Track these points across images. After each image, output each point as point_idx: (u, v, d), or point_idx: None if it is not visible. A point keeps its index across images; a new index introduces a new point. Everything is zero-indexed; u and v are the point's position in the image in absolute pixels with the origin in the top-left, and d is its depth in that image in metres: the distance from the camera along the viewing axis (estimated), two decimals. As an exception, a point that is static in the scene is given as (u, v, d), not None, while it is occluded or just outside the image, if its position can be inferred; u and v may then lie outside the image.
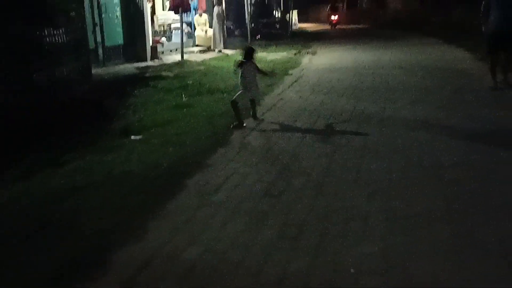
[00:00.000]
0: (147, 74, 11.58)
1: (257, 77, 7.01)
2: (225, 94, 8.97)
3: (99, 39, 12.15)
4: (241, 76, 6.88)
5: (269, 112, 7.52)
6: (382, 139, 5.78)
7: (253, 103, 7.08)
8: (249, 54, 7.02)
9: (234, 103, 6.73)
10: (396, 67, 12.11)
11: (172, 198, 4.22)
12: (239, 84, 6.94)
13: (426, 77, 10.39)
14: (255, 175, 4.70)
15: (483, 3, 8.63)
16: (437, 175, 4.51)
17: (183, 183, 4.55)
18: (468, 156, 5.02)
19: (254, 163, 5.08)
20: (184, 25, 16.51)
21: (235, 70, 7.25)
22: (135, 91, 9.36)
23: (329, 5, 37.40)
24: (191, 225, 3.72)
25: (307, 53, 16.58)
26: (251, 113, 7.09)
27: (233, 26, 22.17)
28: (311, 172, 4.71)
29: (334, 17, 36.04)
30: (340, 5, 44.57)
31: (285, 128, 6.51)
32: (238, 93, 6.87)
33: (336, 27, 34.71)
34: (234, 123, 6.64)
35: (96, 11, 12.06)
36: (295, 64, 13.54)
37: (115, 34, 12.85)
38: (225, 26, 17.40)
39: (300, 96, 8.74)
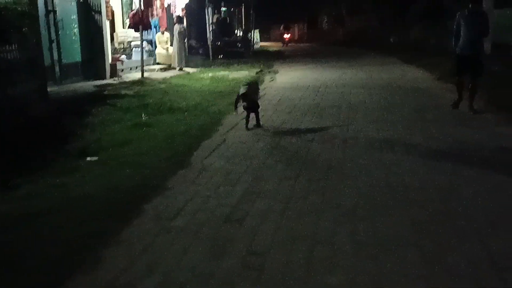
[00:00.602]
0: (106, 92, 11.26)
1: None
2: (186, 113, 8.79)
3: (55, 56, 11.76)
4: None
5: (231, 131, 7.35)
6: (347, 159, 5.69)
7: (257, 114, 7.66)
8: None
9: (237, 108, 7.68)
10: (357, 86, 12.17)
11: (129, 224, 3.98)
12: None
13: (387, 96, 10.45)
14: (217, 199, 4.51)
15: (455, 24, 8.42)
16: (404, 196, 4.42)
17: (141, 207, 4.32)
18: (433, 176, 4.97)
19: (216, 185, 4.89)
20: (145, 43, 16.27)
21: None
22: (93, 110, 9.05)
23: (282, 24, 41.05)
24: (149, 253, 3.50)
25: (269, 71, 16.58)
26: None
27: (196, 44, 22.02)
28: (275, 195, 4.55)
29: (286, 35, 40.51)
30: (292, 25, 47.33)
31: (247, 148, 6.35)
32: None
33: (288, 45, 38.52)
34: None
35: (52, 28, 11.67)
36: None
37: (73, 51, 12.47)
38: (186, 44, 17.23)
39: (262, 115, 8.58)
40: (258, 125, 7.62)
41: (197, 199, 4.52)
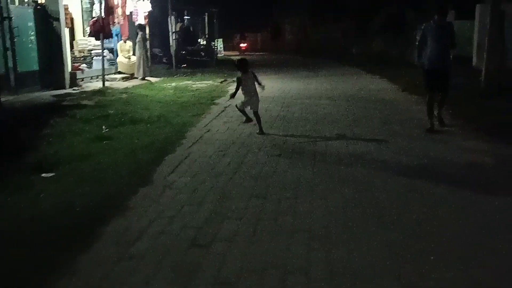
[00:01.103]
0: (65, 103, 10.82)
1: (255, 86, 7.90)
2: (148, 125, 8.47)
3: (10, 64, 11.24)
4: (242, 89, 7.86)
5: (196, 145, 7.08)
6: (317, 175, 5.50)
7: (258, 116, 7.92)
8: (244, 66, 7.86)
9: (239, 109, 8.22)
10: (322, 97, 12.09)
11: (86, 250, 3.66)
12: (243, 94, 7.93)
13: (353, 107, 10.37)
14: (181, 220, 4.23)
15: (420, 36, 8.16)
16: (378, 217, 4.23)
17: (99, 230, 4.00)
18: (405, 193, 4.82)
19: (180, 205, 4.61)
20: (106, 52, 15.83)
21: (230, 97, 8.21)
22: (51, 121, 8.60)
23: (239, 34, 43.41)
24: (107, 283, 3.20)
25: (233, 81, 16.32)
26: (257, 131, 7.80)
27: (160, 53, 21.63)
28: (243, 216, 4.30)
29: (243, 45, 43.56)
30: (254, 35, 49.31)
31: (213, 163, 6.09)
32: (242, 100, 7.99)
33: (245, 53, 40.00)
34: (244, 120, 8.35)
35: (7, 35, 11.17)
36: (221, 92, 13.24)
37: (30, 59, 11.96)
38: (148, 53, 16.85)
39: (228, 127, 8.38)
40: (261, 132, 7.78)
41: (160, 220, 4.23)
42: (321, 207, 4.49)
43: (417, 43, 8.31)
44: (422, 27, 8.19)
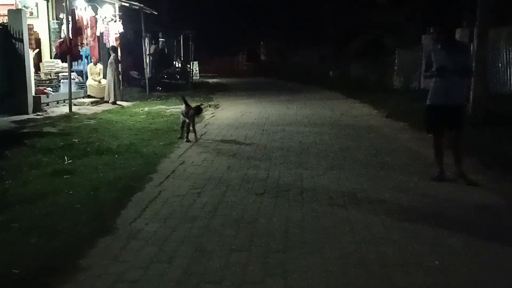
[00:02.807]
0: (25, 130, 9.93)
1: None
2: (116, 156, 7.65)
3: (-34, 87, 10.36)
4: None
5: (168, 181, 6.29)
6: (307, 220, 4.76)
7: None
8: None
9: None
10: (305, 124, 11.45)
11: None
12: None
13: (339, 135, 9.73)
14: (146, 285, 3.43)
15: (425, 59, 6.58)
16: (384, 278, 3.50)
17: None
18: (413, 246, 4.09)
19: (146, 262, 3.80)
20: (74, 74, 14.97)
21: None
22: (6, 152, 7.72)
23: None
24: None
25: (209, 106, 15.63)
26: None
27: (138, 75, 20.82)
28: (223, 277, 3.52)
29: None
30: (232, 57, 49.51)
31: (187, 204, 5.29)
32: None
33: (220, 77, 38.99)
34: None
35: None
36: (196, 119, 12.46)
37: (-12, 82, 11.10)
38: (120, 76, 16.02)
39: (204, 159, 7.62)
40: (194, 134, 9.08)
41: (120, 285, 3.42)
42: (316, 264, 3.74)
43: (423, 70, 6.99)
44: (428, 50, 6.69)
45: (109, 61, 15.37)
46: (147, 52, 20.63)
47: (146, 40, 20.46)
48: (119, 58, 15.96)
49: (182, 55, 28.39)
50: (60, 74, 14.46)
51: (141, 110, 14.16)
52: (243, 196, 5.59)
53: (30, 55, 12.37)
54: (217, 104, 16.31)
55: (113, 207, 5.14)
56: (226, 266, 3.71)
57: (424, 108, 6.43)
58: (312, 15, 34.02)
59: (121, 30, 16.81)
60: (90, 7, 14.84)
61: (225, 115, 13.41)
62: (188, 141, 9.01)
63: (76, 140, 8.88)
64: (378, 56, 23.25)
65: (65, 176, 6.45)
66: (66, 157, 7.49)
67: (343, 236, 4.32)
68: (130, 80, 20.44)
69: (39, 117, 11.63)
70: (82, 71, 16.15)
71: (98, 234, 4.35)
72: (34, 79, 12.99)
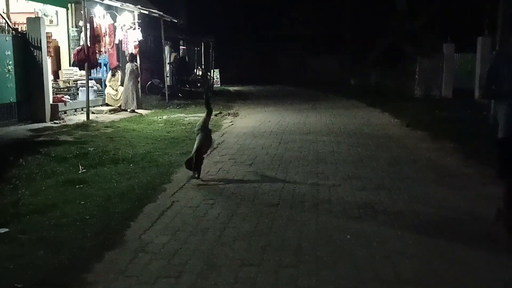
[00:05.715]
0: (42, 138, 9.92)
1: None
2: (131, 165, 7.58)
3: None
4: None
5: (181, 191, 6.17)
6: (321, 233, 4.60)
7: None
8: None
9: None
10: (323, 133, 11.25)
11: None
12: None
13: (357, 145, 9.52)
14: (153, 301, 3.32)
15: (487, 72, 4.95)
16: (402, 297, 3.33)
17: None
18: (430, 262, 3.91)
19: (154, 277, 3.69)
20: (93, 82, 15.00)
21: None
22: (21, 161, 7.69)
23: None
24: None
25: (229, 114, 15.53)
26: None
27: (160, 84, 20.82)
28: (232, 295, 3.39)
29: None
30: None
31: (199, 216, 5.18)
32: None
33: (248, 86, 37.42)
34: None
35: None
36: (215, 127, 12.33)
37: (6, 90, 11.04)
38: (139, 84, 16.02)
39: (219, 168, 7.51)
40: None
41: (124, 302, 3.31)
42: (328, 280, 3.59)
43: (482, 85, 5.54)
44: (495, 59, 5.26)
45: (129, 69, 15.37)
46: (168, 61, 20.61)
47: (167, 48, 20.44)
48: (137, 66, 15.96)
49: (203, 63, 28.40)
50: (78, 82, 14.50)
51: (160, 118, 14.11)
52: (257, 207, 5.46)
53: (48, 63, 12.40)
54: (237, 112, 16.19)
55: (124, 218, 5.04)
56: (237, 281, 3.58)
57: (495, 143, 4.78)
58: (331, 22, 33.89)
59: (140, 37, 16.80)
60: (108, 14, 14.86)
61: (244, 123, 13.29)
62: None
63: (91, 149, 8.82)
64: (397, 64, 22.98)
65: (78, 186, 6.38)
66: (80, 166, 7.44)
67: (358, 250, 4.16)
68: (151, 88, 20.44)
69: (56, 125, 11.64)
70: (100, 78, 16.19)
71: (106, 247, 4.25)
72: (53, 87, 13.01)
